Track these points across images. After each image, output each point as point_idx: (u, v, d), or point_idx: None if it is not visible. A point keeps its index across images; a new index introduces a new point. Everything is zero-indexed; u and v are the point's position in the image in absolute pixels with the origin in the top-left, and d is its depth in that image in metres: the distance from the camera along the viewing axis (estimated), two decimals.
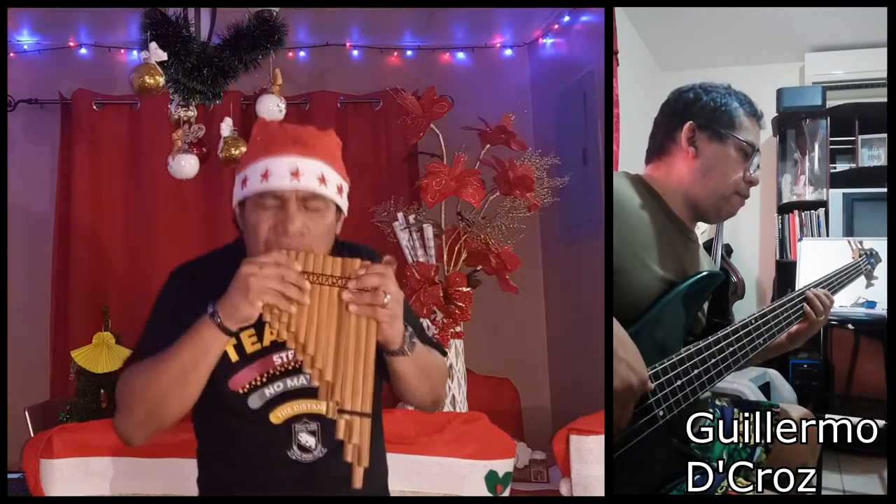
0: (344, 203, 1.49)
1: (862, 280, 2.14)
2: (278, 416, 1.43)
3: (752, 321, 1.51)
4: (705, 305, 1.61)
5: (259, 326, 1.42)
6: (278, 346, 1.43)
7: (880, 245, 2.65)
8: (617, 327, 1.25)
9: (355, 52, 3.57)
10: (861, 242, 2.32)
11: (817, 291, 1.67)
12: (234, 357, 1.43)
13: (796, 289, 1.76)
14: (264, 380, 1.44)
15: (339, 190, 1.46)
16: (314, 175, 1.41)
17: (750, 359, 1.48)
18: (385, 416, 1.73)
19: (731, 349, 1.42)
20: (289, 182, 1.39)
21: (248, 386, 1.43)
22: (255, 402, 1.43)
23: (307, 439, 1.43)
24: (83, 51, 3.40)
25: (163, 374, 1.33)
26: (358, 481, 1.24)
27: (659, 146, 1.58)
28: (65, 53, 3.39)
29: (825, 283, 1.81)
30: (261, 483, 1.43)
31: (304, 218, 1.40)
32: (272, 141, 1.44)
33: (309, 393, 1.42)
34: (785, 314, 1.62)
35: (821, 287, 1.78)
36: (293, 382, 1.44)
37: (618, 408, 1.19)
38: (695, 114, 1.54)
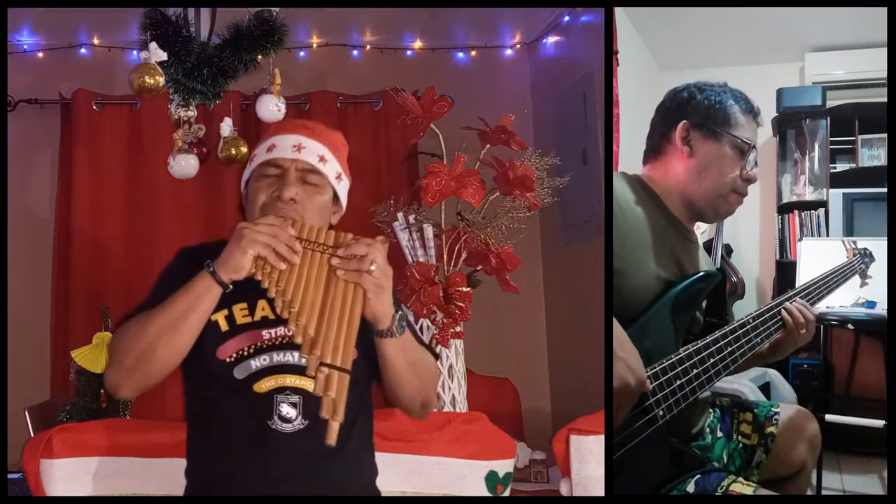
0: (342, 192, 1.59)
1: (857, 280, 2.15)
2: (262, 386, 1.45)
3: (750, 320, 1.51)
4: (703, 304, 1.61)
5: (252, 302, 1.49)
6: (268, 322, 1.48)
7: (880, 245, 2.65)
8: (616, 328, 1.25)
9: (355, 52, 3.57)
10: (855, 242, 2.33)
11: (796, 304, 1.61)
12: (224, 327, 1.48)
13: (797, 287, 1.76)
14: (251, 350, 1.47)
15: (339, 177, 1.57)
16: (315, 153, 1.53)
17: (740, 363, 1.47)
18: (384, 415, 1.73)
19: (729, 349, 1.42)
20: (290, 153, 1.52)
21: (234, 355, 1.46)
22: (240, 372, 1.46)
23: (288, 410, 1.44)
24: (83, 51, 3.40)
25: (154, 322, 1.39)
26: (333, 437, 1.26)
27: (655, 146, 1.58)
28: (65, 53, 3.39)
29: (821, 283, 1.81)
30: (241, 453, 1.44)
31: (301, 189, 1.50)
32: (283, 125, 1.62)
33: (293, 369, 1.45)
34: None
35: (817, 285, 1.79)
36: (279, 357, 1.47)
37: (614, 407, 1.19)
38: (689, 113, 1.54)
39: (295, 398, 1.45)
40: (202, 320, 1.41)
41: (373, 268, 1.37)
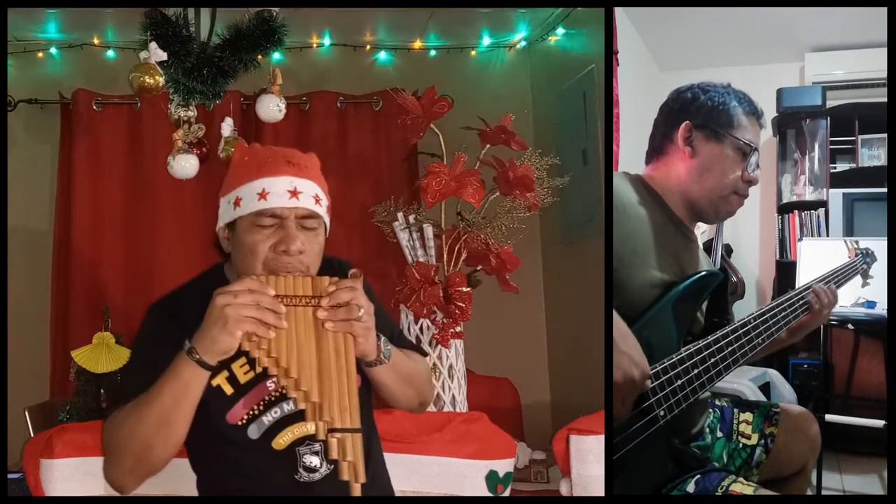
0: (328, 220, 1.50)
1: (859, 280, 2.15)
2: (280, 442, 1.42)
3: (752, 320, 1.51)
4: (704, 305, 1.61)
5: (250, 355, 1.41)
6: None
7: (880, 245, 2.65)
8: (619, 321, 1.25)
9: (356, 52, 3.57)
10: (857, 242, 2.33)
11: (822, 286, 1.67)
12: (228, 390, 1.42)
13: (796, 288, 1.76)
14: (261, 408, 1.43)
15: (329, 210, 1.49)
16: (310, 195, 1.43)
17: (750, 356, 1.48)
18: (384, 415, 1.73)
19: (730, 349, 1.42)
20: (287, 201, 1.40)
21: (245, 417, 1.42)
22: (254, 431, 1.42)
23: (312, 460, 1.43)
24: (84, 50, 3.39)
25: (145, 418, 1.31)
26: (356, 494, 1.26)
27: (658, 146, 1.58)
28: (66, 53, 3.39)
29: (823, 283, 1.82)
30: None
31: (303, 237, 1.41)
32: (265, 161, 1.45)
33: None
34: (783, 313, 1.62)
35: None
36: (289, 407, 1.43)
37: (618, 401, 1.19)
38: (692, 113, 1.53)
39: (316, 446, 1.43)
40: (194, 405, 1.33)
41: (360, 313, 1.34)
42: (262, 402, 1.43)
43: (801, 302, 1.70)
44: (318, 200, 1.44)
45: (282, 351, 1.30)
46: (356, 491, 1.25)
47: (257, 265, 1.39)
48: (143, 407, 1.32)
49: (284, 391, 1.39)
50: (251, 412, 1.42)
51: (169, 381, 1.31)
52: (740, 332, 1.46)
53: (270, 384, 1.43)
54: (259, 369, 1.40)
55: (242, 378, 1.43)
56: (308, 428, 1.40)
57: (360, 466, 1.26)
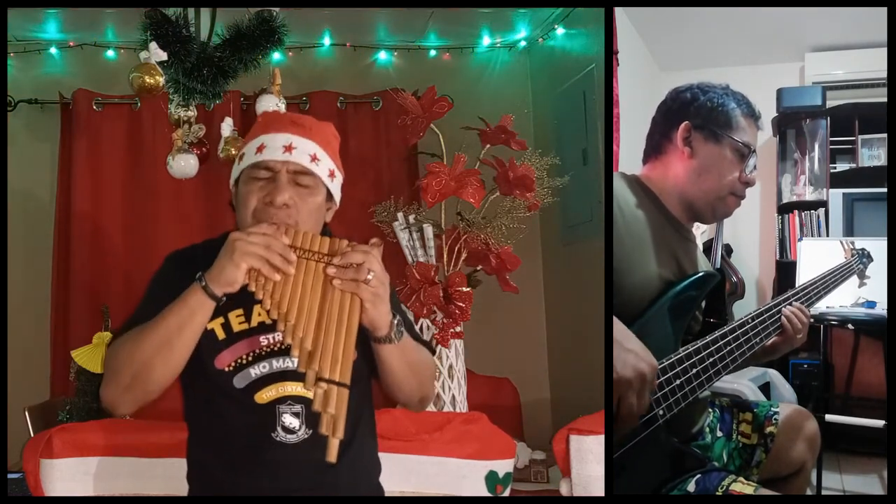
0: (335, 190, 1.53)
1: (856, 280, 2.15)
2: (263, 397, 1.44)
3: (749, 320, 1.51)
4: (702, 304, 1.61)
5: (247, 307, 1.46)
6: (265, 327, 1.45)
7: (880, 245, 2.65)
8: (618, 324, 1.25)
9: (356, 52, 3.57)
10: (853, 242, 2.33)
11: (794, 309, 1.63)
12: (220, 335, 1.45)
13: (795, 288, 1.76)
14: (250, 359, 1.45)
15: (332, 175, 1.51)
16: (307, 152, 1.47)
17: (748, 356, 1.48)
18: (383, 414, 1.73)
19: (728, 348, 1.42)
20: (280, 155, 1.45)
21: (233, 364, 1.45)
22: (240, 381, 1.44)
23: (291, 421, 1.43)
24: (84, 50, 3.39)
25: (148, 339, 1.36)
26: (333, 454, 1.23)
27: (656, 146, 1.58)
28: (66, 53, 3.40)
29: (819, 283, 1.81)
30: (246, 465, 1.43)
31: (293, 192, 1.45)
32: (271, 121, 1.52)
33: (294, 376, 1.43)
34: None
35: (815, 286, 1.79)
36: (278, 364, 1.45)
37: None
38: (691, 114, 1.54)
39: (297, 408, 1.44)
40: (197, 334, 1.38)
41: (370, 276, 1.34)
42: (251, 354, 1.45)
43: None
44: (315, 160, 1.47)
45: (285, 295, 1.34)
46: (334, 446, 1.23)
47: (248, 215, 1.45)
48: (149, 329, 1.37)
49: (276, 348, 1.44)
50: (239, 360, 1.44)
51: (176, 307, 1.36)
52: (738, 332, 1.46)
53: (263, 339, 1.46)
54: (254, 323, 1.46)
55: (236, 327, 1.46)
56: (293, 388, 1.43)
57: (340, 421, 1.25)
